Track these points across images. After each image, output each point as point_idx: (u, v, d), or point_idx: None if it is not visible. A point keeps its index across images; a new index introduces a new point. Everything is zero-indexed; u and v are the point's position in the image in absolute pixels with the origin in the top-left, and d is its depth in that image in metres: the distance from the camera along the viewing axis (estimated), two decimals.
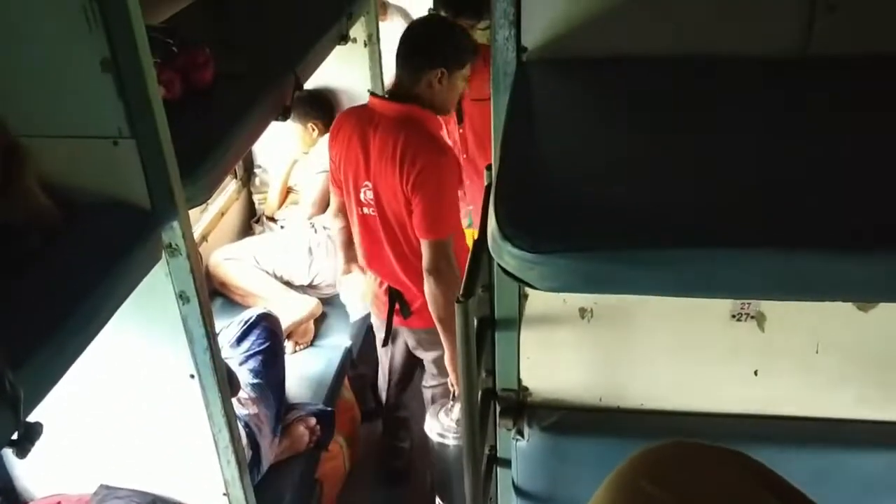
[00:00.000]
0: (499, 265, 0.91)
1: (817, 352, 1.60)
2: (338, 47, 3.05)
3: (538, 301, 1.63)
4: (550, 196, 0.96)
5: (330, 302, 3.45)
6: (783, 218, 0.89)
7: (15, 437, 1.14)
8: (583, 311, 1.63)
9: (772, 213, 0.90)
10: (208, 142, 1.86)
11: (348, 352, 3.29)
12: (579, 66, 1.34)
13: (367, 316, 3.41)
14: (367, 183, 2.63)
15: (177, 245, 1.65)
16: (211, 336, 1.81)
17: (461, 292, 1.39)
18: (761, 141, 1.09)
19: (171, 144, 1.60)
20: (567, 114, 1.22)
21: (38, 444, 1.19)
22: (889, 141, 1.08)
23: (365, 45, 3.57)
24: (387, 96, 2.74)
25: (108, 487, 2.08)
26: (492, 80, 1.41)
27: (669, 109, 1.19)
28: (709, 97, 1.24)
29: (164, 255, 1.65)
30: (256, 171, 3.98)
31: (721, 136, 1.11)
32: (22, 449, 1.15)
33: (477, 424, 1.54)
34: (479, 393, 1.73)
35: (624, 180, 0.98)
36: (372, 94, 2.79)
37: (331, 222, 3.10)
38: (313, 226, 3.46)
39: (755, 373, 1.65)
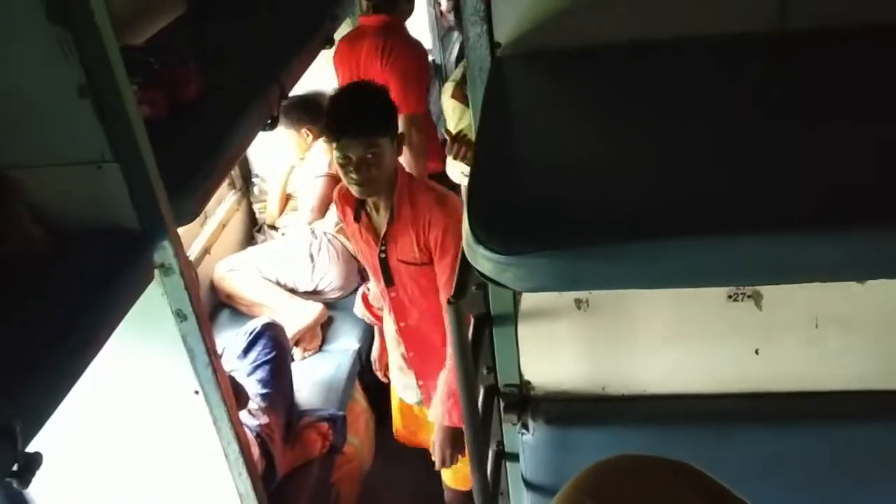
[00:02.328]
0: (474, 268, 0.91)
1: (817, 326, 1.60)
2: (326, 51, 3.05)
3: (533, 295, 1.63)
4: (522, 197, 0.96)
5: (335, 306, 3.45)
6: (757, 202, 0.88)
7: (15, 468, 1.15)
8: (578, 302, 1.63)
9: (746, 199, 0.89)
10: (196, 158, 1.86)
11: (357, 355, 3.29)
12: (553, 58, 1.33)
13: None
14: None
15: (170, 264, 1.66)
16: (212, 352, 1.81)
17: (452, 292, 1.38)
18: (737, 125, 1.08)
19: (156, 164, 1.60)
20: (541, 110, 1.21)
21: (45, 468, 1.20)
22: (870, 117, 1.07)
23: None
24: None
25: None
26: (468, 77, 1.40)
27: (645, 97, 1.18)
28: (684, 82, 1.23)
29: (157, 274, 1.65)
30: (255, 180, 3.98)
31: (697, 122, 1.10)
32: (23, 480, 1.16)
33: (479, 422, 1.54)
34: (482, 390, 1.73)
35: (597, 176, 0.98)
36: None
37: None
38: (313, 231, 3.46)
39: (756, 351, 1.64)
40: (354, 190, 2.21)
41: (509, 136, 1.17)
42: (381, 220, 2.31)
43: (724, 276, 0.90)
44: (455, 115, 3.03)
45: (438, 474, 2.84)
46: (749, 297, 1.57)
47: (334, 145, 2.15)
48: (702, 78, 1.23)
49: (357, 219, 2.37)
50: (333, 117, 2.18)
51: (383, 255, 2.36)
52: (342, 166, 2.17)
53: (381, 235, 2.33)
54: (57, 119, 1.48)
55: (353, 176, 2.15)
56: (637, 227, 0.86)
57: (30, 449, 1.18)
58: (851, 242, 0.83)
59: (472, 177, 1.03)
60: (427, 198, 2.28)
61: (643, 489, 0.53)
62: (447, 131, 3.11)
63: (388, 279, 2.41)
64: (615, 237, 0.86)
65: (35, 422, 1.21)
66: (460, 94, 2.98)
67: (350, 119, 2.13)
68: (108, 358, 1.47)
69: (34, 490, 2.14)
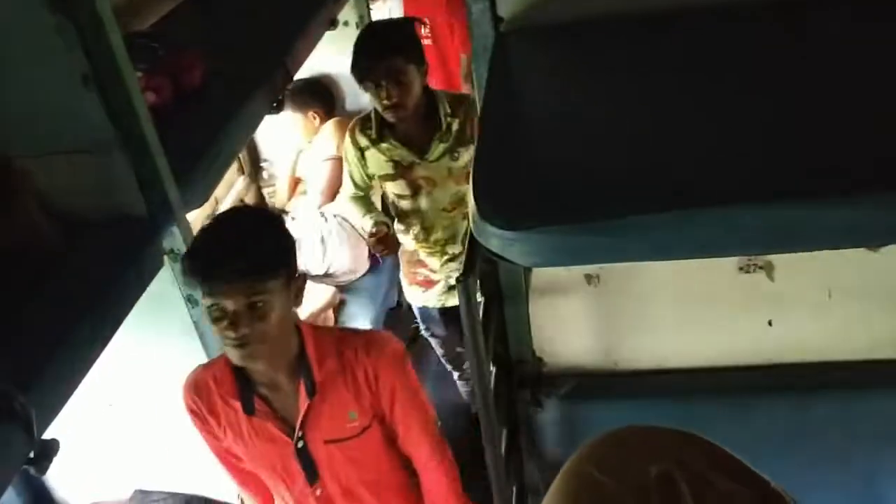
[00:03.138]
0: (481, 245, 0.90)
1: (830, 297, 1.59)
2: (330, 32, 3.03)
3: (543, 271, 1.63)
4: (527, 173, 0.95)
5: (347, 289, 3.45)
6: (761, 172, 0.87)
7: (32, 455, 1.16)
8: (589, 278, 1.62)
9: (748, 169, 0.88)
10: (202, 143, 1.86)
11: None
12: (556, 33, 1.32)
13: (389, 299, 3.44)
14: None
15: (179, 250, 1.66)
16: None
17: (461, 270, 1.38)
18: (743, 94, 1.07)
19: (163, 151, 1.60)
20: (545, 86, 1.20)
21: (64, 455, 1.21)
22: (878, 83, 1.05)
23: (357, 27, 3.54)
24: None
25: (143, 492, 2.12)
26: (472, 54, 1.39)
27: (649, 70, 1.17)
28: (688, 53, 1.22)
29: (167, 261, 1.66)
30: (263, 164, 3.98)
31: (702, 94, 1.09)
32: (40, 467, 1.17)
33: (491, 399, 1.54)
34: (495, 367, 1.73)
35: (602, 150, 0.97)
36: None
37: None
38: (323, 214, 3.45)
39: (769, 323, 1.64)
40: (235, 356, 1.49)
41: (513, 111, 1.16)
42: (291, 397, 1.61)
43: (730, 245, 0.89)
44: (356, 164, 2.55)
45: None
46: (761, 268, 1.56)
47: (202, 295, 1.45)
48: (706, 48, 1.22)
49: (248, 410, 1.60)
50: (194, 256, 1.46)
51: (301, 445, 1.64)
52: (215, 321, 1.46)
53: (300, 418, 1.60)
54: (62, 108, 1.48)
55: (231, 335, 1.45)
56: (642, 199, 0.85)
57: (46, 436, 1.19)
58: (860, 207, 0.82)
59: (477, 154, 1.02)
60: (352, 342, 1.64)
61: (648, 458, 0.52)
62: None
63: (313, 474, 1.68)
64: (621, 210, 0.85)
65: (50, 409, 1.22)
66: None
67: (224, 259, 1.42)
68: (121, 345, 1.48)
69: (51, 475, 2.17)
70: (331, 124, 3.53)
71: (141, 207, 1.58)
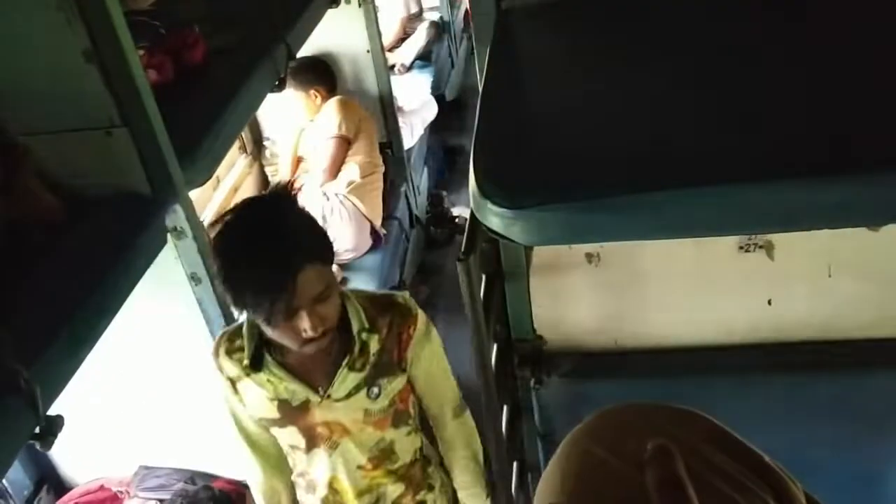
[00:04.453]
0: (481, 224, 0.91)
1: (830, 275, 1.59)
2: (332, 10, 3.02)
3: (544, 250, 1.63)
4: (528, 151, 0.95)
5: (349, 267, 3.46)
6: (764, 150, 0.88)
7: (37, 431, 1.18)
8: (589, 256, 1.63)
9: (752, 147, 0.88)
10: (204, 121, 1.86)
11: None
12: (558, 9, 1.31)
13: (391, 277, 3.45)
14: None
15: (182, 228, 1.67)
16: (228, 314, 1.83)
17: (462, 249, 1.38)
18: (746, 70, 1.07)
19: (165, 128, 1.60)
20: (546, 63, 1.20)
21: (69, 432, 1.22)
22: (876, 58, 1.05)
23: (359, 4, 3.52)
24: None
25: (147, 468, 2.15)
26: (473, 32, 1.39)
27: (651, 47, 1.17)
28: (691, 29, 1.21)
29: (170, 238, 1.66)
30: (266, 143, 3.98)
31: (705, 70, 1.09)
32: (45, 442, 1.19)
33: (492, 379, 1.55)
34: (495, 345, 1.74)
35: (603, 128, 0.97)
36: None
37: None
38: (325, 193, 3.46)
39: (769, 302, 1.64)
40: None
41: (514, 89, 1.16)
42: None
43: (732, 224, 0.89)
44: (233, 400, 1.64)
45: None
46: (761, 247, 1.57)
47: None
48: (710, 25, 1.21)
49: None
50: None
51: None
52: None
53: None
54: (64, 85, 1.48)
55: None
56: (643, 177, 0.86)
57: (51, 412, 1.20)
58: (859, 186, 0.82)
59: (478, 132, 1.02)
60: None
61: (645, 433, 0.53)
62: None
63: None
64: (622, 188, 0.85)
65: (55, 385, 1.23)
66: None
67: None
68: (126, 321, 1.49)
69: (56, 452, 2.19)
70: (333, 102, 3.53)
71: (144, 185, 1.58)
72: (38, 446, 1.19)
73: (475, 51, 1.39)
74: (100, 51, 1.44)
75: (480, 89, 1.21)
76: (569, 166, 0.92)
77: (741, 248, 1.57)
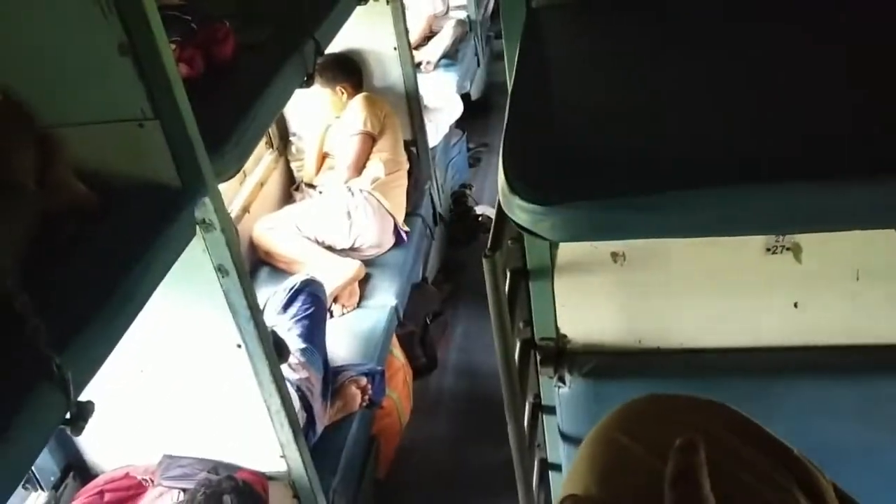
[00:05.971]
0: (510, 219, 0.91)
1: (858, 279, 1.57)
2: (360, 8, 3.03)
3: (569, 248, 1.63)
4: (558, 147, 0.95)
5: (373, 263, 3.49)
6: (793, 150, 0.87)
7: (68, 416, 1.20)
8: (615, 256, 1.62)
9: (781, 146, 0.88)
10: (233, 115, 1.88)
11: (395, 310, 3.33)
12: (589, 7, 1.31)
13: (414, 273, 3.47)
14: None
15: (210, 220, 1.69)
16: (253, 306, 1.85)
17: (489, 246, 1.39)
18: (778, 68, 1.06)
19: (196, 122, 1.62)
20: (577, 60, 1.20)
21: (97, 420, 1.24)
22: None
23: (387, 2, 3.54)
24: None
25: (171, 457, 2.17)
26: (502, 29, 1.39)
27: (683, 44, 1.16)
28: (723, 27, 1.20)
29: (198, 230, 1.68)
30: (292, 139, 4.01)
31: (736, 68, 1.08)
32: (76, 427, 1.21)
33: (515, 375, 1.55)
34: (518, 343, 1.74)
35: (633, 125, 0.97)
36: None
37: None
38: (350, 189, 3.48)
39: (795, 305, 1.63)
40: None
41: (544, 86, 1.16)
42: None
43: (762, 223, 0.89)
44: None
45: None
46: (788, 249, 1.55)
47: None
48: (742, 23, 1.20)
49: None
50: None
51: None
52: None
53: None
54: (98, 78, 1.50)
55: None
56: (674, 175, 0.86)
57: (82, 398, 1.22)
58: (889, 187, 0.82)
59: (508, 128, 1.02)
60: None
61: (672, 424, 0.54)
62: None
63: None
64: (652, 185, 0.85)
65: (86, 371, 1.25)
66: None
67: None
68: (154, 312, 1.51)
69: (83, 439, 2.23)
70: (358, 99, 3.56)
71: (174, 177, 1.61)
72: (68, 431, 1.21)
73: (504, 48, 1.39)
74: (134, 44, 1.47)
75: (510, 86, 1.22)
76: (599, 163, 0.92)
77: (768, 250, 1.56)
